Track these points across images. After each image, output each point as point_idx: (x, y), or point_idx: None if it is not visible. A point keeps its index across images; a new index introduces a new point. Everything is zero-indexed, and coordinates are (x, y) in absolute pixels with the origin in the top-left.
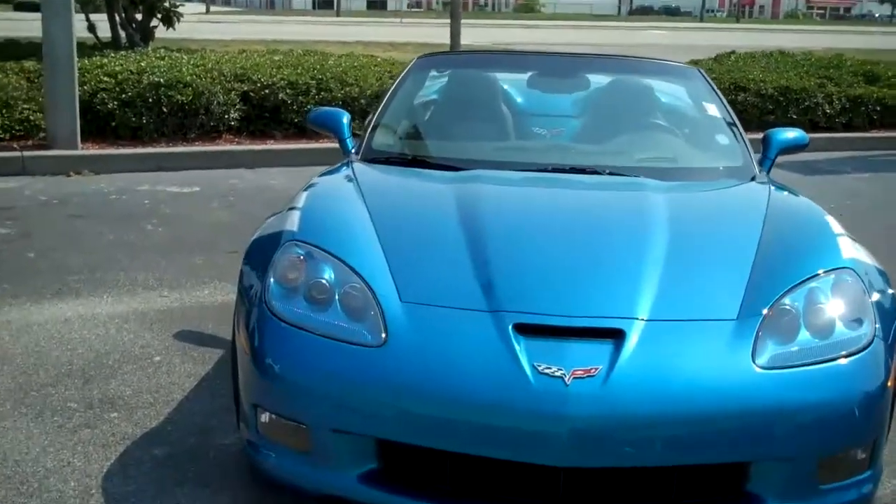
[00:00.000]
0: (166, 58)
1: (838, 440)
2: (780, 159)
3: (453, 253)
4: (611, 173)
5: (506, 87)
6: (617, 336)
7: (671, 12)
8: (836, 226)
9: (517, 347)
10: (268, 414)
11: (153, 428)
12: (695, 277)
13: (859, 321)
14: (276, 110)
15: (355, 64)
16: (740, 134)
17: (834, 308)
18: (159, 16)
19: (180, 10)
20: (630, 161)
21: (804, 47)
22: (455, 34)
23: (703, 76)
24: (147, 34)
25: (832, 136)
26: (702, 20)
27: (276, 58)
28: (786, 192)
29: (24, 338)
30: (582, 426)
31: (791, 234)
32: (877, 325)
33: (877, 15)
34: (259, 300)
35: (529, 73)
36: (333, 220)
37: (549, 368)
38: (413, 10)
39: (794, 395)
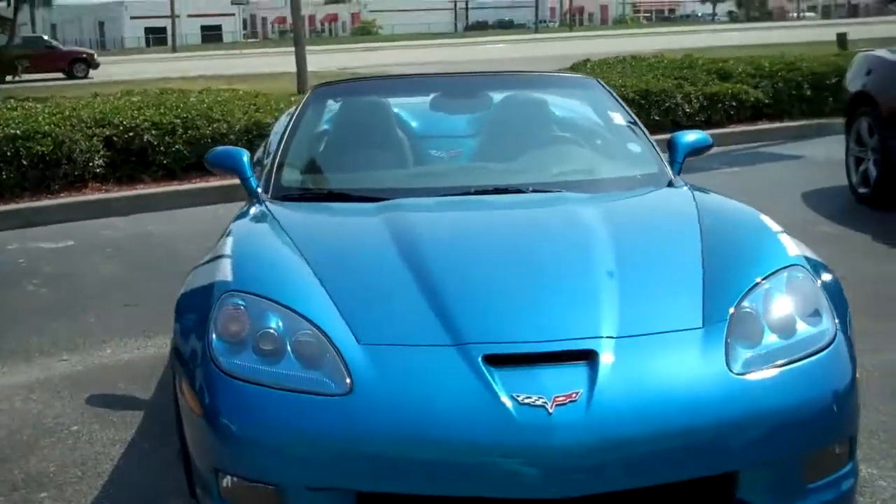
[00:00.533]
0: (18, 108)
1: (820, 438)
2: None
3: (401, 287)
4: (534, 190)
5: (409, 111)
6: (589, 357)
7: (505, 26)
8: (773, 224)
9: (492, 380)
10: (229, 478)
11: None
12: (650, 289)
13: (818, 316)
14: (143, 153)
15: (218, 99)
16: (649, 140)
17: (792, 306)
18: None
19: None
20: (548, 177)
21: (642, 51)
22: (301, 59)
23: (603, 86)
24: None
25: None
26: (537, 31)
27: (135, 99)
28: (708, 195)
29: None
30: (570, 455)
31: (732, 237)
32: (836, 320)
33: (700, 14)
34: (203, 359)
35: (432, 95)
36: (267, 266)
37: (530, 398)
38: (249, 40)
39: (773, 397)
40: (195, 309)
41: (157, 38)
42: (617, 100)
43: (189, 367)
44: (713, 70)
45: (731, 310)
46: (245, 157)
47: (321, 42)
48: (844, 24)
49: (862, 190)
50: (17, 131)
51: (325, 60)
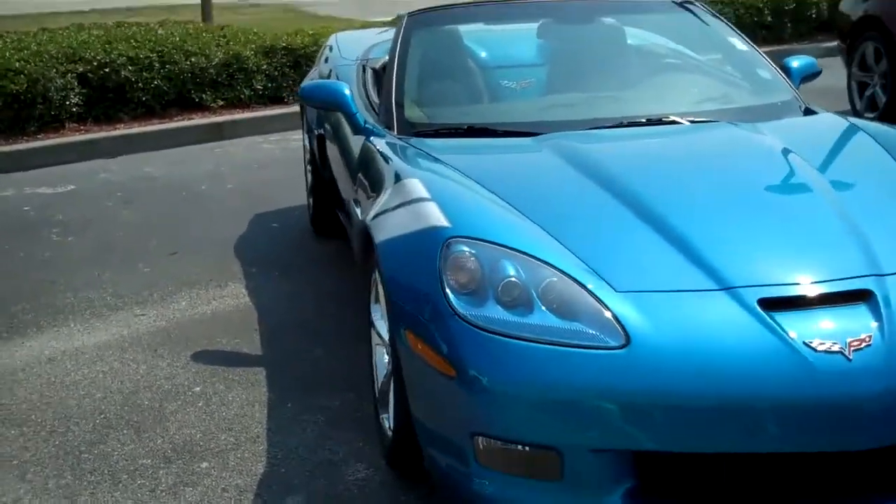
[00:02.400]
0: None
1: None
2: None
3: (631, 227)
4: (690, 121)
5: (521, 39)
6: (866, 297)
7: None
8: None
9: (777, 326)
10: (492, 441)
11: (264, 472)
12: (890, 217)
13: None
14: (121, 89)
15: (190, 33)
16: (771, 64)
17: None
18: None
19: None
20: (694, 107)
21: None
22: None
23: (706, 7)
24: None
25: None
26: None
27: (95, 32)
28: (867, 122)
29: (16, 389)
30: (878, 401)
31: None
32: None
33: None
34: (443, 313)
35: (540, 22)
36: (480, 209)
37: (824, 343)
38: None
39: None
40: (412, 259)
41: None
42: (726, 22)
43: (422, 323)
44: None
45: None
46: (347, 90)
47: None
48: None
49: (869, 115)
50: None
51: None
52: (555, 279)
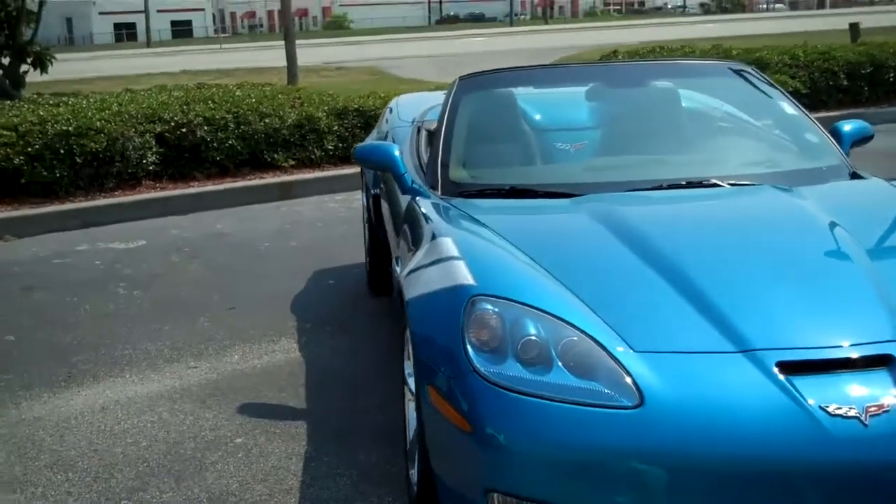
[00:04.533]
0: (61, 104)
1: None
2: None
3: (656, 289)
4: (730, 184)
5: (564, 102)
6: (888, 363)
7: (477, 19)
8: None
9: (793, 389)
10: (505, 498)
11: None
12: None
13: None
14: (196, 149)
15: (266, 94)
16: (821, 129)
17: None
18: (29, 60)
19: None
20: (737, 170)
21: (622, 43)
22: (291, 53)
23: (758, 73)
24: (18, 80)
25: None
26: (511, 24)
27: (176, 94)
28: None
29: (67, 435)
30: (890, 470)
31: None
32: None
33: (669, 6)
34: (462, 370)
35: (589, 85)
36: (506, 267)
37: (841, 409)
38: (220, 35)
39: None
40: (437, 316)
41: (127, 33)
42: (780, 89)
43: (443, 379)
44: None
45: None
46: (397, 151)
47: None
48: (813, 15)
49: None
50: (70, 128)
51: (303, 55)
52: (574, 338)
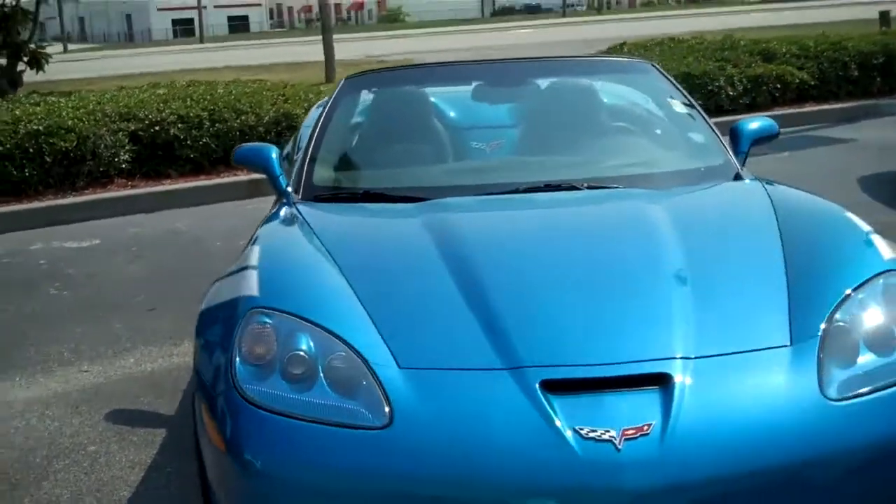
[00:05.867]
0: (41, 103)
1: None
2: None
3: (447, 302)
4: (590, 187)
5: (448, 102)
6: (662, 382)
7: (532, 10)
8: (862, 223)
9: (550, 409)
10: None
11: None
12: (728, 301)
13: None
14: (170, 147)
15: (246, 91)
16: (712, 129)
17: (890, 317)
18: (25, 59)
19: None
20: (603, 171)
21: (677, 32)
22: (328, 48)
23: (659, 70)
24: (15, 79)
25: (738, 118)
26: (564, 15)
27: (160, 91)
28: (783, 189)
29: None
30: (643, 497)
31: (817, 240)
32: None
33: None
34: (226, 385)
35: (474, 84)
36: (298, 278)
37: (595, 431)
38: (276, 29)
39: (873, 425)
40: (218, 327)
41: (184, 29)
42: (674, 84)
43: (211, 393)
44: (756, 51)
45: (823, 325)
46: (274, 153)
47: (348, 30)
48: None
49: None
50: (40, 127)
51: (352, 48)
52: (343, 354)
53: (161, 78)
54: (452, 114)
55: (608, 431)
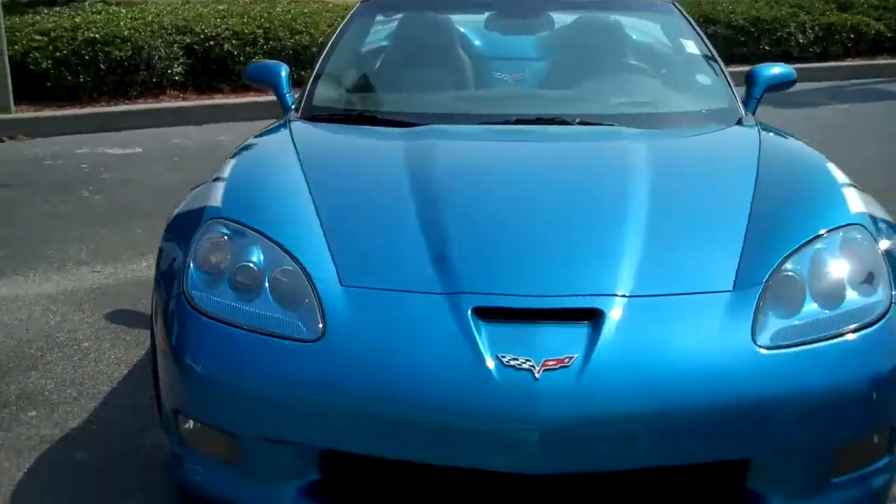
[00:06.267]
0: (103, 12)
1: (852, 427)
2: None
3: (403, 226)
4: (581, 122)
5: (462, 30)
6: (594, 317)
7: None
8: (840, 175)
9: (478, 336)
10: (192, 421)
11: (75, 427)
12: (683, 243)
13: (872, 286)
14: (223, 62)
15: (305, 10)
16: (723, 72)
17: (843, 272)
18: None
19: None
20: (603, 108)
21: None
22: None
23: (680, 10)
24: None
25: (806, 66)
26: None
27: (221, 7)
28: (778, 137)
29: None
30: (555, 427)
31: (789, 187)
32: (893, 291)
33: None
34: (177, 289)
35: (487, 14)
36: (264, 192)
37: (516, 360)
38: None
39: (801, 377)
40: (182, 234)
41: None
42: (693, 26)
43: (164, 296)
44: None
45: (770, 273)
46: (283, 71)
47: None
48: None
49: None
50: (97, 35)
51: None
52: (290, 268)
53: None
54: (463, 43)
55: (528, 361)
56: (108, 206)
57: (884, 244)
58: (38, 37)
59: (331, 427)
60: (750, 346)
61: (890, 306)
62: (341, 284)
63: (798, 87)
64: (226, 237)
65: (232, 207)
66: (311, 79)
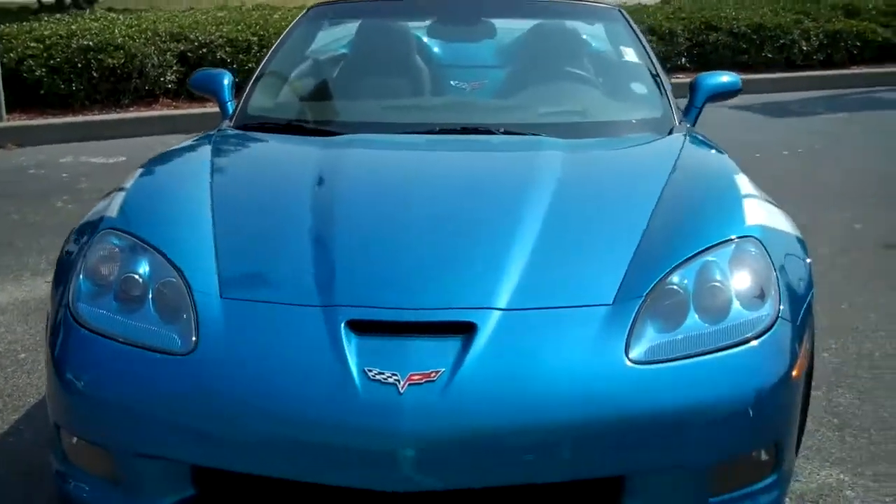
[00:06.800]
0: (100, 19)
1: (729, 444)
2: (749, 100)
3: (294, 238)
4: (506, 132)
5: (404, 38)
6: (468, 331)
7: None
8: (745, 185)
9: (347, 349)
10: (75, 437)
11: None
12: (571, 257)
13: (761, 299)
14: None
15: None
16: (662, 82)
17: (731, 285)
18: None
19: None
20: (530, 117)
21: None
22: None
23: (625, 17)
24: None
25: (808, 74)
26: None
27: (220, 14)
28: (700, 148)
29: None
30: (418, 443)
31: (689, 199)
32: (781, 306)
33: None
34: (64, 300)
35: (430, 22)
36: (160, 204)
37: (382, 374)
38: None
39: (673, 392)
40: (77, 243)
41: None
42: (636, 33)
43: (53, 308)
44: (840, 5)
45: (652, 286)
46: (227, 79)
47: None
48: None
49: None
50: (91, 42)
51: None
52: (173, 280)
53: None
54: (403, 51)
55: (394, 375)
56: (79, 216)
57: (778, 258)
58: (33, 44)
59: (197, 442)
60: (620, 361)
61: (776, 320)
62: (221, 297)
63: (799, 94)
64: (117, 248)
65: (126, 219)
66: (248, 87)
